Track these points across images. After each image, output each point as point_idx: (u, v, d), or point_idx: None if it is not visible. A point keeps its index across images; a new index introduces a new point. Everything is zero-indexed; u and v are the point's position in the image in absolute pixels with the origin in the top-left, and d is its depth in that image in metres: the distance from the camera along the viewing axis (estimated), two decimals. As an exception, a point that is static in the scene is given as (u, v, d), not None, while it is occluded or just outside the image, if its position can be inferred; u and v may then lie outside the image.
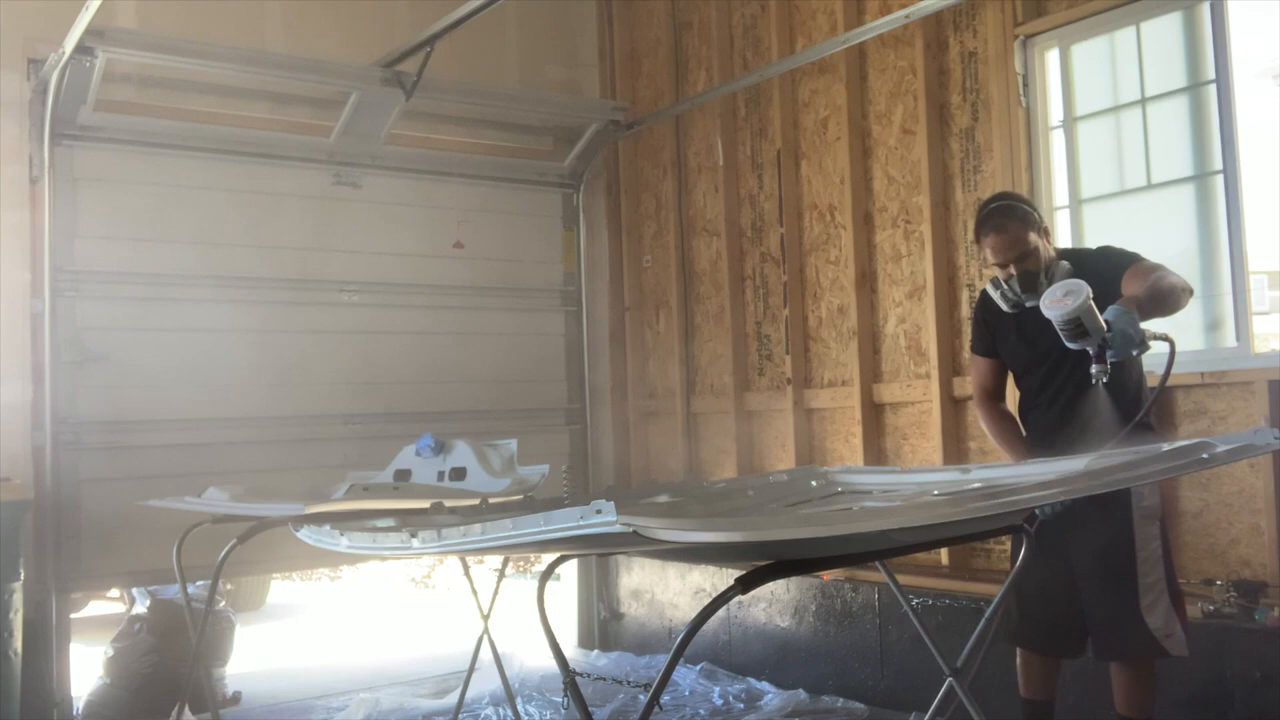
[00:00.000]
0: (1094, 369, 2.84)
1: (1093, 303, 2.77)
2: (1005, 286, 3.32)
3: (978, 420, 3.77)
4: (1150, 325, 2.85)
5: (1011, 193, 3.67)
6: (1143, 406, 3.13)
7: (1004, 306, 3.36)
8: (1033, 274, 3.25)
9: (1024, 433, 3.49)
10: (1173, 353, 2.86)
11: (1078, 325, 2.79)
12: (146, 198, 5.04)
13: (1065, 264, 3.27)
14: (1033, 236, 3.28)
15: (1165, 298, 2.98)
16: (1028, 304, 3.23)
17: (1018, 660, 3.52)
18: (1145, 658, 3.21)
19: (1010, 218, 3.28)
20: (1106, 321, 2.78)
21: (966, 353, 4.55)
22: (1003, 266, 3.31)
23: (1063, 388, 3.29)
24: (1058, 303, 2.80)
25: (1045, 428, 3.36)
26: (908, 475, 3.06)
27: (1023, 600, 3.29)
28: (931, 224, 4.75)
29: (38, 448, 4.70)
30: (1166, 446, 2.30)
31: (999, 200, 3.41)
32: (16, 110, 4.77)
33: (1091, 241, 4.33)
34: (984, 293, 3.48)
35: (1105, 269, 3.18)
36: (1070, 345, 2.87)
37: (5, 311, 4.71)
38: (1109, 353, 2.79)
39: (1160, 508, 3.26)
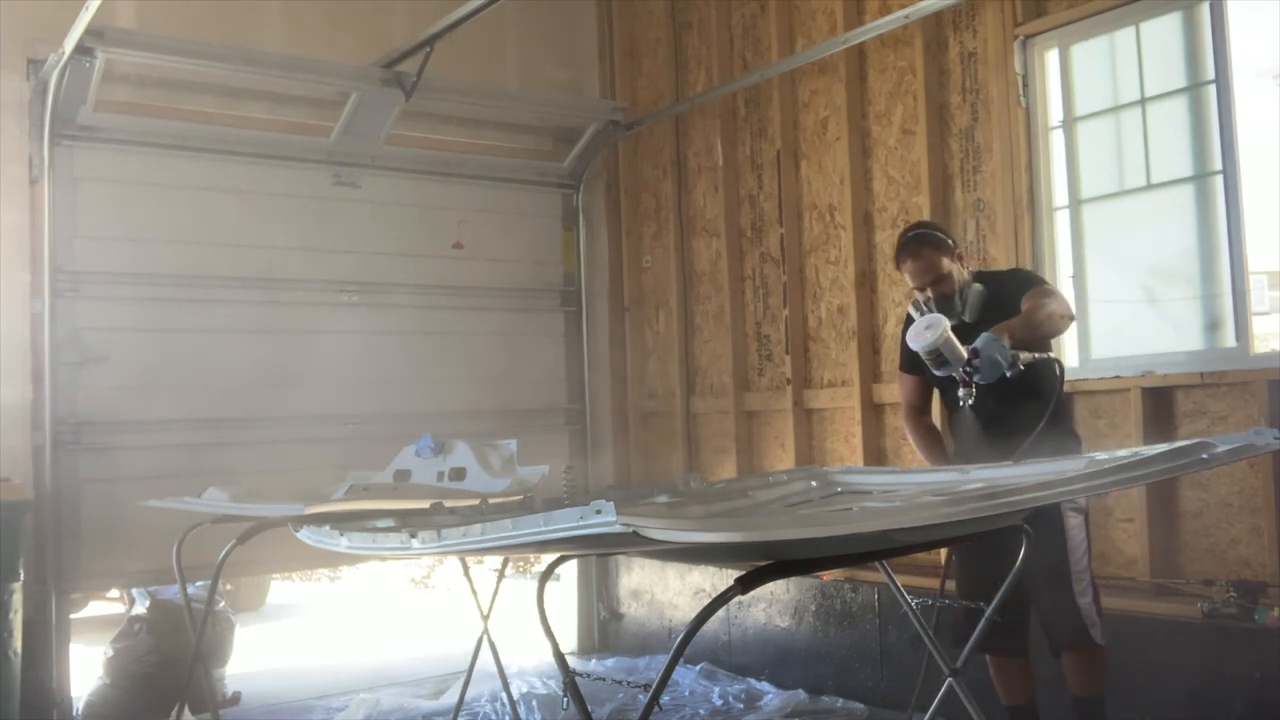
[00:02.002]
0: (960, 393, 3.13)
1: (951, 335, 3.07)
2: (925, 308, 3.54)
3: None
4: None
5: (928, 222, 4.06)
6: (1061, 413, 3.39)
7: None
8: (948, 296, 3.51)
9: (951, 444, 3.75)
10: (1062, 371, 3.19)
11: (938, 355, 3.09)
12: (146, 198, 5.03)
13: (978, 286, 3.54)
14: (946, 262, 3.53)
15: (1040, 325, 3.23)
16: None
17: (991, 670, 3.55)
18: (1082, 645, 3.35)
19: (925, 244, 3.54)
20: (975, 349, 3.04)
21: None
22: (921, 289, 3.56)
23: (983, 401, 3.37)
24: (919, 336, 3.11)
25: (968, 438, 3.55)
26: (908, 475, 3.07)
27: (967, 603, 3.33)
28: (931, 224, 4.75)
29: (38, 448, 4.70)
30: (1166, 447, 2.30)
31: (917, 229, 3.70)
32: (16, 110, 4.77)
33: (1091, 243, 4.35)
34: (908, 314, 3.67)
35: (1011, 290, 3.46)
36: (936, 373, 3.17)
37: (5, 311, 4.70)
38: (976, 376, 3.06)
39: (1085, 500, 3.44)
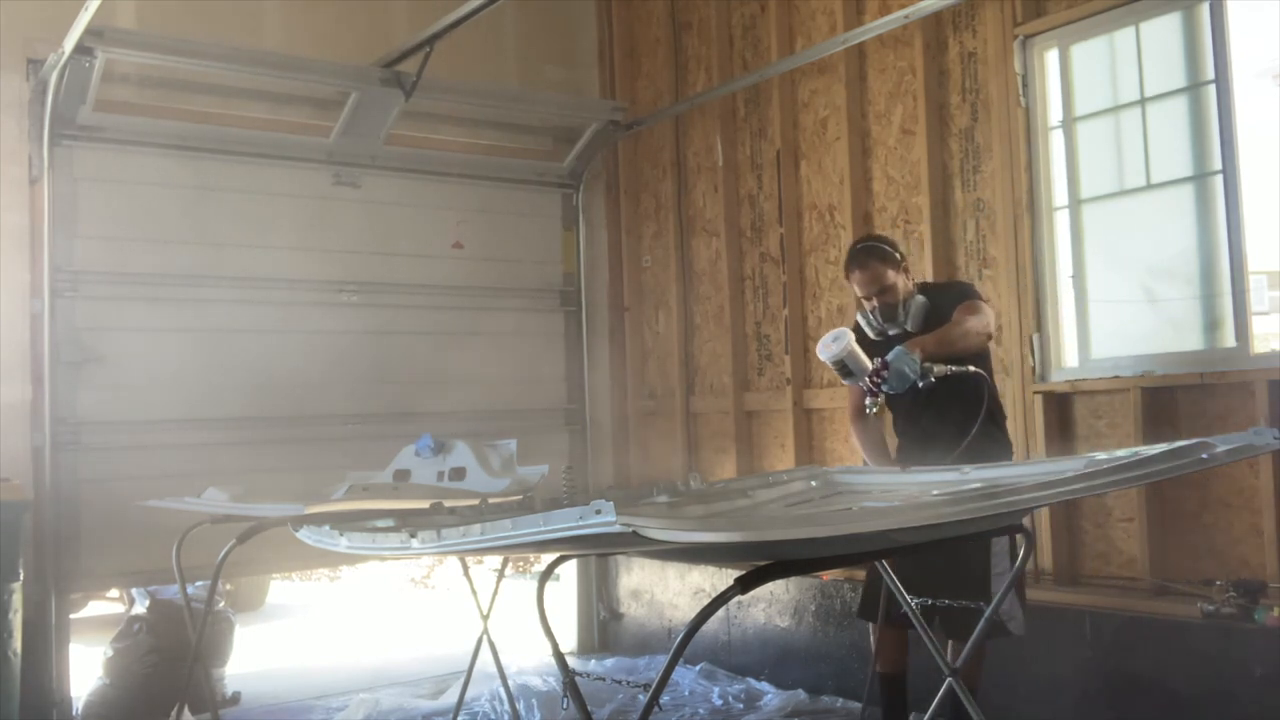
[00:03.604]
0: (867, 400, 3.39)
1: (856, 348, 3.35)
2: (870, 317, 3.76)
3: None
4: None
5: (877, 235, 4.32)
6: (995, 417, 3.64)
7: (870, 334, 3.77)
8: (892, 306, 3.71)
9: (896, 444, 3.91)
10: (990, 384, 3.48)
11: (843, 366, 3.35)
12: (146, 198, 5.03)
13: (920, 297, 3.73)
14: (891, 274, 3.72)
15: (954, 341, 3.46)
16: (890, 332, 3.70)
17: (872, 639, 3.75)
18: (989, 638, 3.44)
19: (872, 256, 3.74)
20: (886, 360, 3.28)
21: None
22: (867, 299, 3.76)
23: (927, 405, 3.62)
24: (826, 348, 3.36)
25: (911, 439, 3.77)
26: (908, 475, 3.07)
27: (877, 579, 3.40)
28: (931, 224, 4.75)
29: (37, 448, 4.70)
30: (1166, 447, 2.30)
31: (865, 242, 3.91)
32: (16, 110, 4.77)
33: (1091, 242, 4.36)
34: (856, 322, 3.85)
35: (950, 300, 3.68)
36: (845, 382, 3.46)
37: (5, 311, 4.70)
38: (883, 386, 3.29)
39: None
